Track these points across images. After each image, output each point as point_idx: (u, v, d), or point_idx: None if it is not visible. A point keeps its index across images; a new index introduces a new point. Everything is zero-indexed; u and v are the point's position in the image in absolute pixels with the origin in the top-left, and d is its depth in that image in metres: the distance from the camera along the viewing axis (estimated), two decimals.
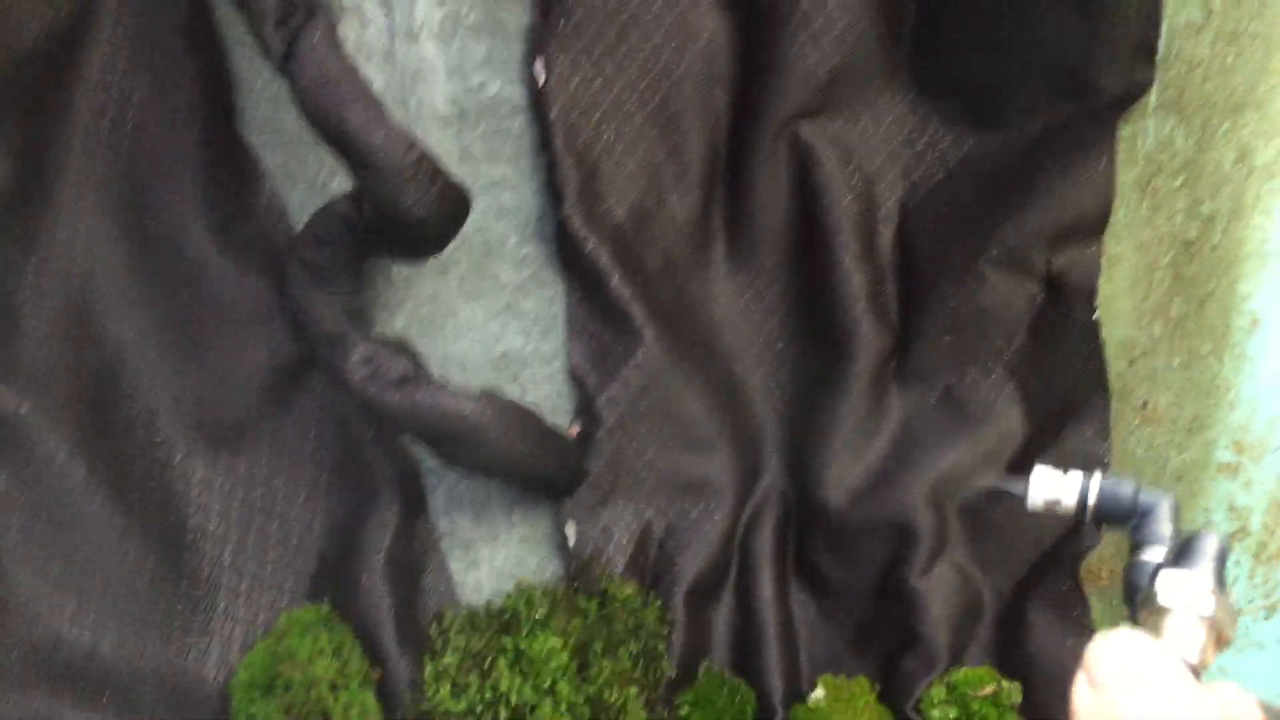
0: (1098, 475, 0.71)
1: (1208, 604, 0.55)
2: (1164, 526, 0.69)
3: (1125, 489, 0.72)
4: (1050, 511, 0.73)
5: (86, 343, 1.34)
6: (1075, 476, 0.72)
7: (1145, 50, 1.41)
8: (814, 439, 1.58)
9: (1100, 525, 0.59)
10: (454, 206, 1.36)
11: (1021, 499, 0.77)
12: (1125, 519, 0.70)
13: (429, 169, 1.29)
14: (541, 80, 1.48)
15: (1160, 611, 0.56)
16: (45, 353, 1.32)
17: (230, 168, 1.41)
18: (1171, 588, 0.56)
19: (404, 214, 1.31)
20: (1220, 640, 0.55)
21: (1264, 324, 1.52)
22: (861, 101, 1.55)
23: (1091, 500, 0.71)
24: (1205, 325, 1.52)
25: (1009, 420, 1.56)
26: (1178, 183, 1.48)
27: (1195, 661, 0.55)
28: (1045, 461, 1.46)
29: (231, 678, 1.38)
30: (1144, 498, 0.71)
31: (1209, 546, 0.65)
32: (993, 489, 1.39)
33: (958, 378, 1.57)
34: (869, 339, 1.55)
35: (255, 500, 1.44)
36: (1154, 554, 0.65)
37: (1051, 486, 0.73)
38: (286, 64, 1.27)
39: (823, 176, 1.55)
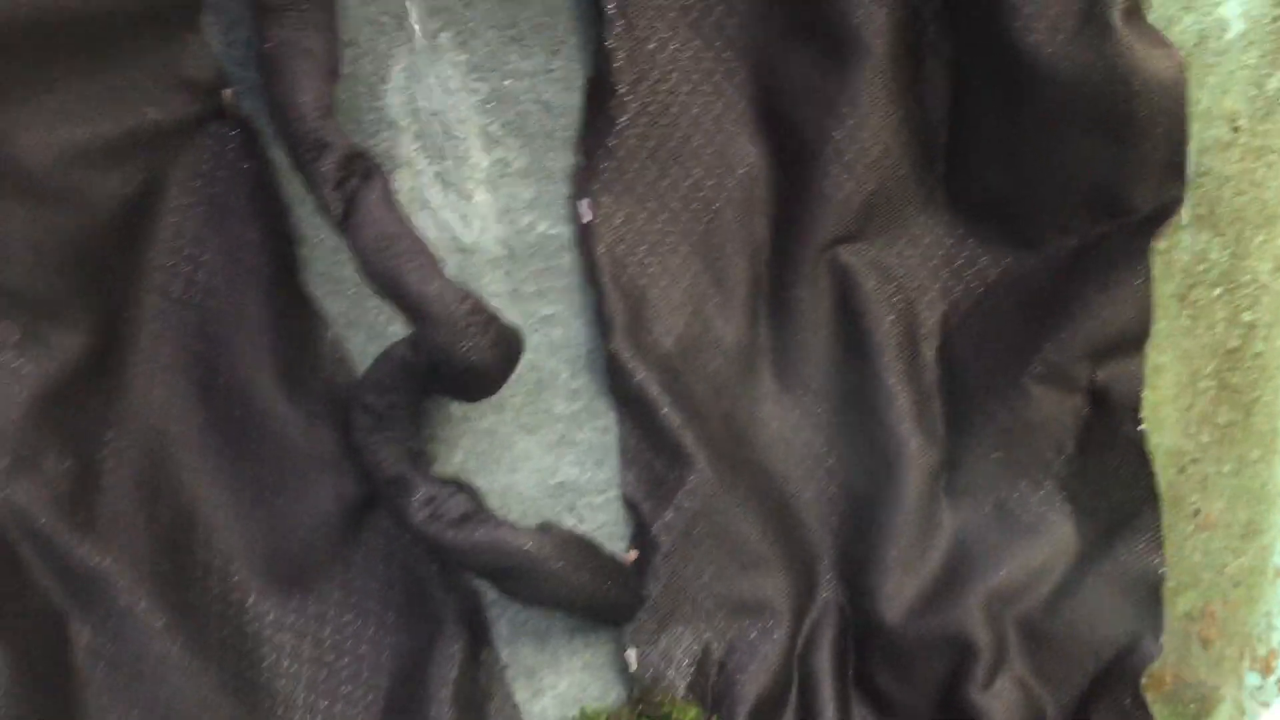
0: None
1: None
2: None
3: None
4: None
5: (163, 496, 1.40)
6: None
7: (1174, 169, 1.44)
8: (868, 555, 1.60)
9: None
10: (508, 349, 1.41)
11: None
12: None
13: (483, 317, 1.35)
14: (587, 218, 1.54)
15: None
16: (124, 507, 1.38)
17: (295, 319, 1.48)
18: None
19: (460, 361, 1.36)
20: None
21: None
22: (898, 225, 1.59)
23: None
24: (1253, 431, 1.53)
25: (1061, 532, 1.57)
26: (1216, 293, 1.50)
27: None
28: (1101, 574, 1.48)
29: None
30: None
31: None
32: None
33: (1008, 491, 1.59)
34: (917, 455, 1.58)
35: (326, 639, 1.48)
36: None
37: None
38: (345, 225, 1.33)
39: (863, 298, 1.59)
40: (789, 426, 1.65)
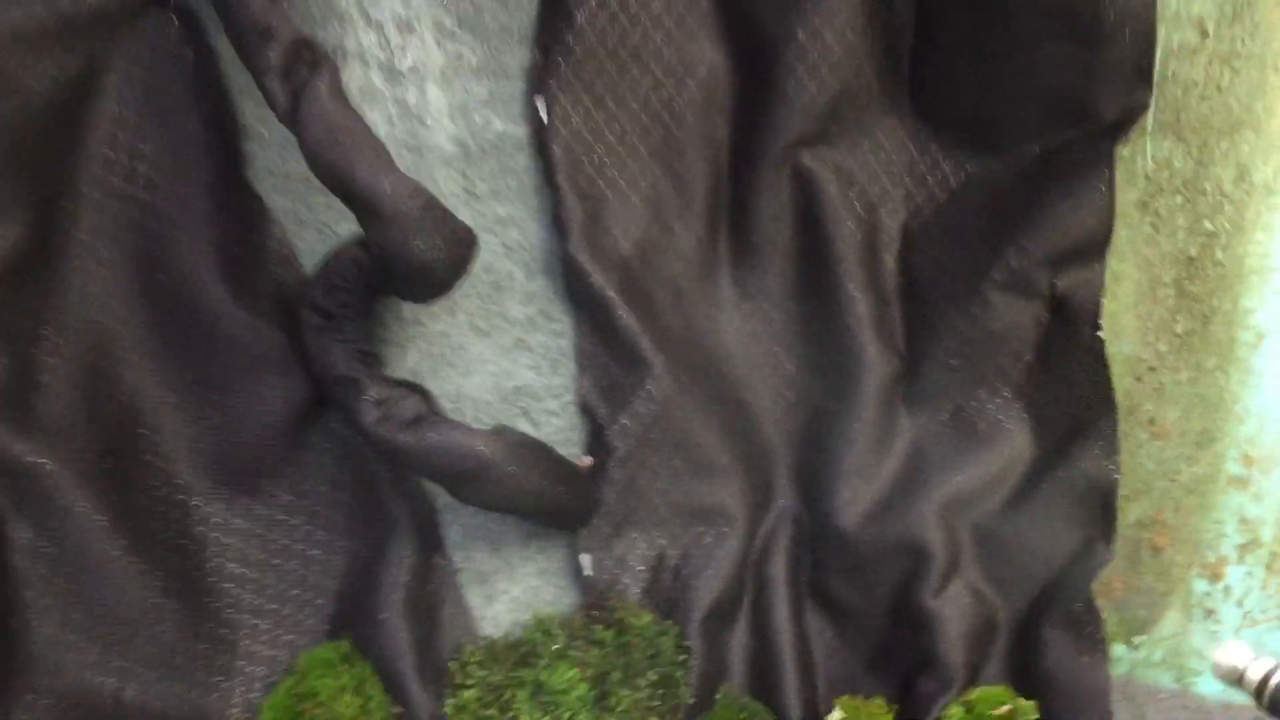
0: None
1: None
2: None
3: None
4: (1229, 681, 0.72)
5: (105, 395, 1.36)
6: (1266, 661, 0.70)
7: (1141, 74, 1.41)
8: (824, 462, 1.59)
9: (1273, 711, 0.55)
10: (462, 249, 1.38)
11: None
12: None
13: (436, 214, 1.31)
14: (544, 117, 1.50)
15: None
16: (64, 407, 1.34)
17: (239, 215, 1.44)
18: None
19: (413, 259, 1.33)
20: None
21: (1269, 338, 1.53)
22: (861, 129, 1.56)
23: (1273, 684, 0.69)
24: (1211, 340, 1.53)
25: (1018, 439, 1.57)
26: (1178, 201, 1.49)
27: None
28: (1056, 481, 1.48)
29: (255, 718, 1.40)
30: None
31: None
32: None
33: (966, 399, 1.58)
34: (876, 363, 1.57)
35: (274, 542, 1.46)
36: None
37: (1239, 658, 0.72)
38: (293, 117, 1.29)
39: (825, 203, 1.56)
40: (748, 333, 1.63)
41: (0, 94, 1.28)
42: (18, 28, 1.29)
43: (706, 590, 1.57)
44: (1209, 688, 1.61)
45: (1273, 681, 0.64)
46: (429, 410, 1.41)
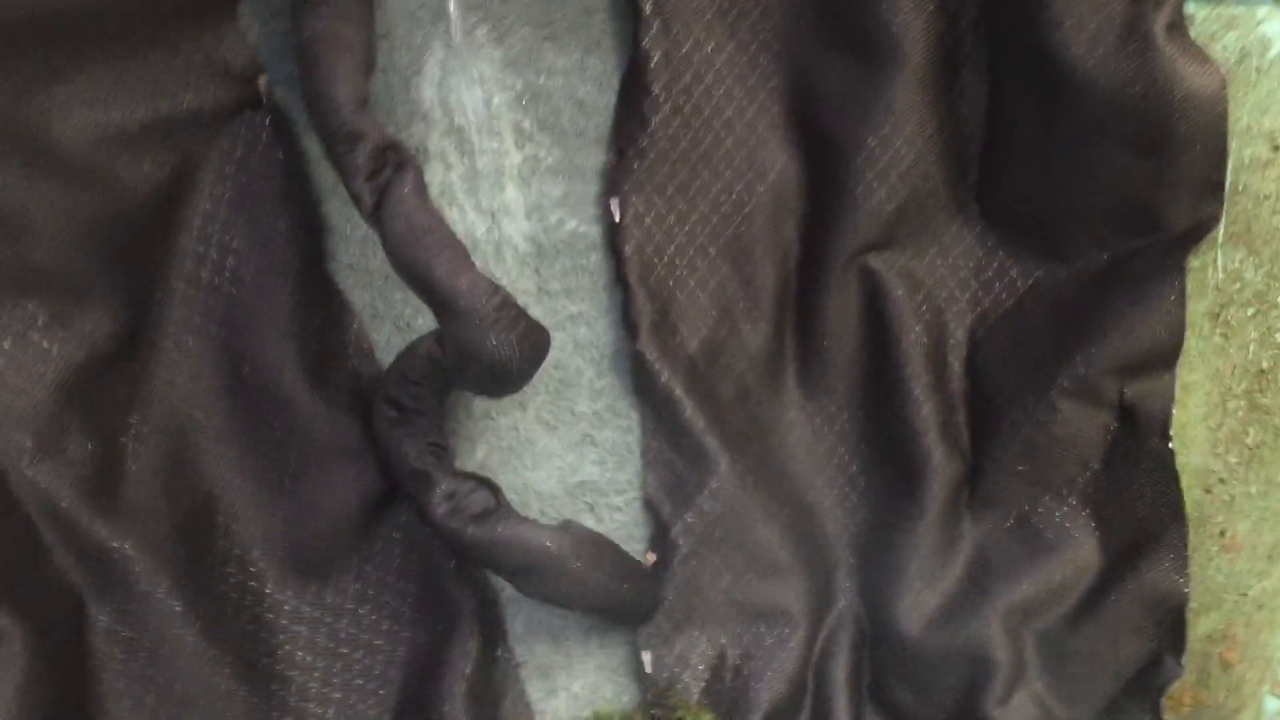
0: None
1: None
2: None
3: None
4: None
5: (184, 482, 1.40)
6: None
7: (1211, 186, 1.42)
8: (888, 566, 1.59)
9: None
10: (535, 346, 1.40)
11: None
12: None
13: (511, 313, 1.35)
14: (616, 218, 1.54)
15: None
16: (146, 493, 1.38)
17: (321, 309, 1.48)
18: None
19: (487, 356, 1.36)
20: None
21: None
22: (928, 234, 1.58)
23: None
24: None
25: (1084, 549, 1.56)
26: (1249, 313, 1.49)
27: None
28: (1124, 592, 1.46)
29: None
30: None
31: None
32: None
33: (1032, 506, 1.57)
34: (940, 467, 1.57)
35: (341, 630, 1.48)
36: None
37: None
38: (376, 215, 1.33)
39: (892, 307, 1.57)
40: (812, 433, 1.64)
41: (99, 190, 1.34)
42: (119, 126, 1.35)
43: (767, 691, 1.56)
44: None
45: None
46: (497, 504, 1.43)
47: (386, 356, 1.51)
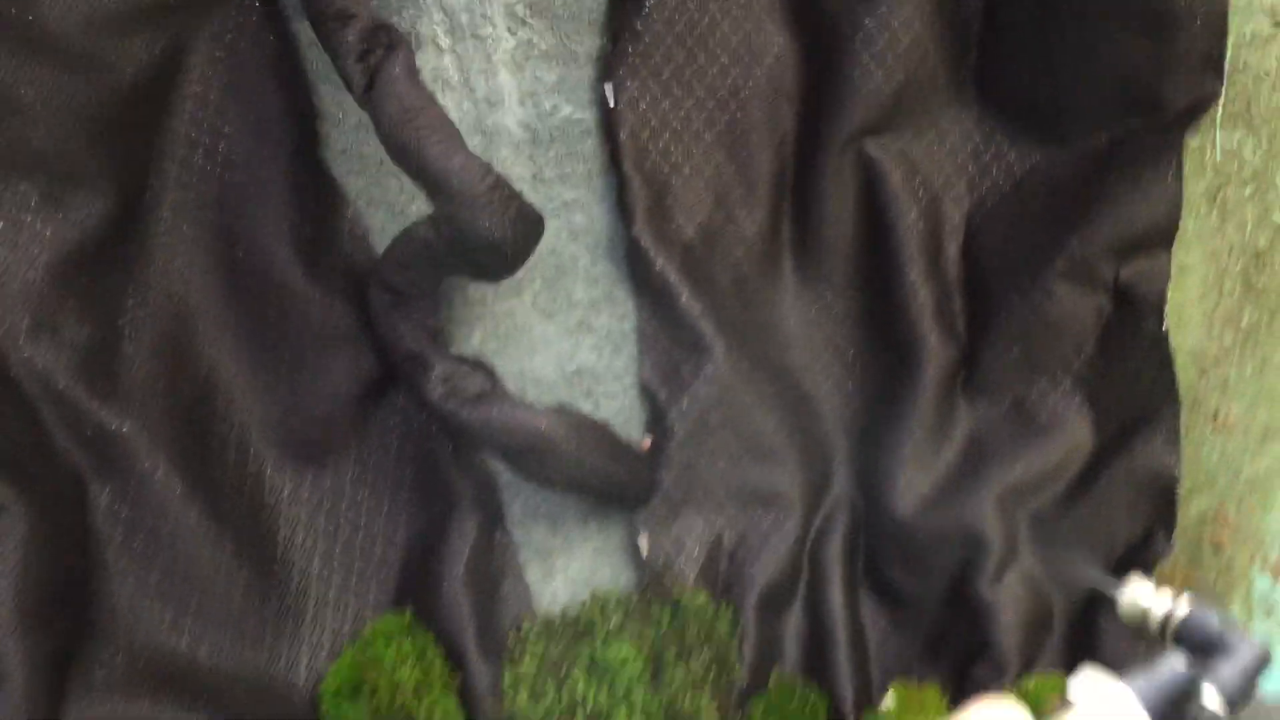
0: (1187, 598, 0.68)
1: None
2: (1233, 671, 0.64)
3: (1211, 623, 0.68)
4: (1133, 622, 0.71)
5: (182, 365, 1.41)
6: (1167, 596, 0.70)
7: (1211, 63, 1.40)
8: (882, 450, 1.60)
9: (1184, 649, 0.54)
10: (528, 229, 1.40)
11: (1112, 600, 0.76)
12: (1205, 649, 0.66)
13: (504, 194, 1.34)
14: (611, 103, 1.53)
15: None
16: (144, 375, 1.39)
17: (315, 195, 1.48)
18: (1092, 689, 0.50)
19: (481, 237, 1.36)
20: None
21: None
22: (927, 117, 1.57)
23: (1175, 618, 0.69)
24: (1277, 334, 1.52)
25: (1078, 431, 1.56)
26: (1247, 193, 1.48)
27: None
28: (1116, 472, 1.48)
29: (320, 683, 1.44)
30: (1231, 636, 0.67)
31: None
32: (1090, 585, 1.39)
33: (1026, 389, 1.58)
34: (936, 352, 1.57)
35: (340, 514, 1.50)
36: (1210, 697, 0.60)
37: (1143, 597, 0.71)
38: (368, 97, 1.32)
39: (889, 192, 1.57)
40: (809, 320, 1.64)
41: (90, 73, 1.33)
42: (108, 10, 1.33)
43: (762, 573, 1.58)
44: (1271, 686, 1.59)
45: (1175, 615, 0.64)
46: (493, 387, 1.44)
47: (381, 242, 1.50)
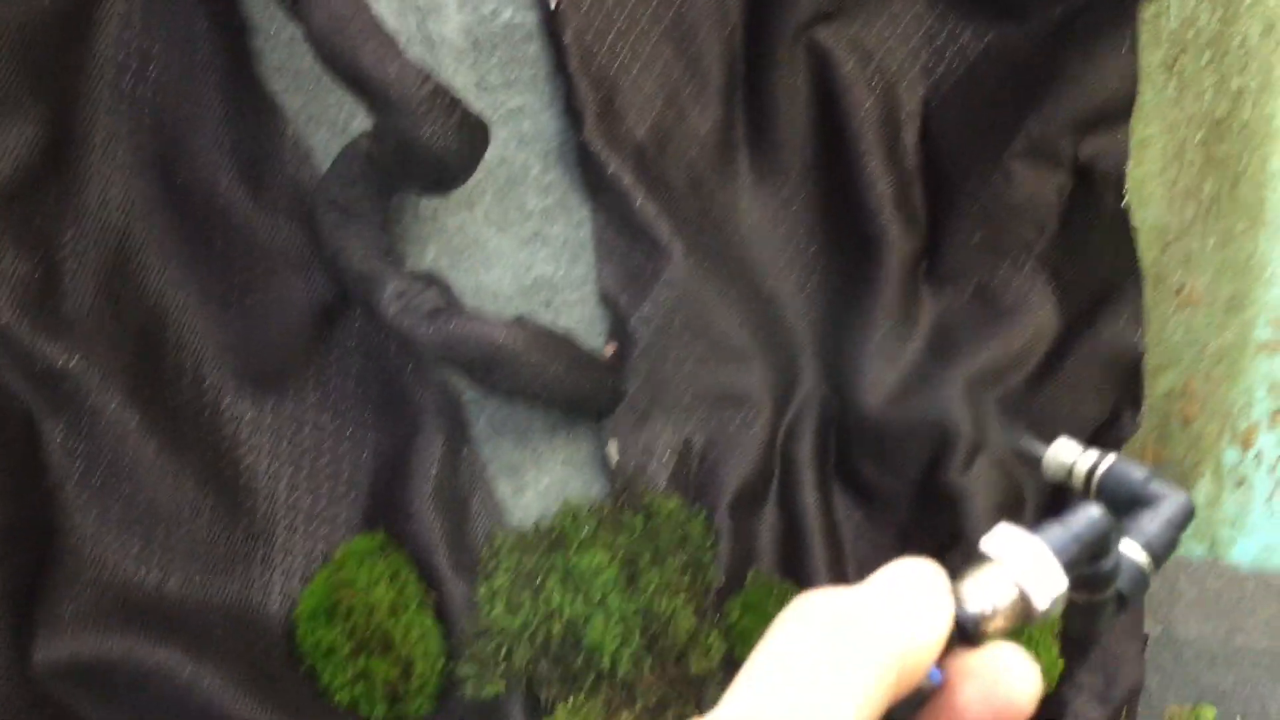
0: (1113, 456, 0.67)
1: (1044, 585, 0.47)
2: (1156, 523, 0.63)
3: (1135, 475, 0.67)
4: (1059, 478, 0.71)
5: (128, 297, 1.38)
6: (1092, 453, 0.69)
7: None
8: (848, 344, 1.59)
9: (1107, 504, 0.53)
10: (473, 137, 1.37)
11: (1038, 462, 0.75)
12: (1129, 503, 0.65)
13: (445, 101, 1.31)
14: (553, 4, 1.48)
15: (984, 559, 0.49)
16: (89, 308, 1.35)
17: (253, 115, 1.43)
18: (1008, 545, 0.49)
19: (424, 147, 1.32)
20: (1024, 618, 0.48)
21: None
22: (878, 2, 1.53)
23: (1099, 472, 0.68)
24: (1239, 203, 1.50)
25: (1043, 313, 1.55)
26: (1204, 60, 1.45)
27: (981, 611, 0.47)
28: (1082, 352, 1.47)
29: (294, 608, 1.43)
30: (1154, 488, 0.66)
31: (1132, 562, 0.59)
32: (1015, 446, 1.39)
33: (990, 274, 1.57)
34: (898, 242, 1.55)
35: (304, 439, 1.48)
36: (1131, 547, 0.60)
37: (1068, 454, 0.70)
38: (296, 8, 1.28)
39: (842, 81, 1.53)
40: (768, 218, 1.62)
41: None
42: None
43: (733, 475, 1.58)
44: (1241, 556, 1.61)
45: (1099, 469, 0.63)
46: (449, 301, 1.42)
47: (325, 161, 1.46)
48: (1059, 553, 0.46)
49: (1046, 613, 0.46)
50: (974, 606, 0.45)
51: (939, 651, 0.42)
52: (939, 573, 0.44)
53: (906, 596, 0.42)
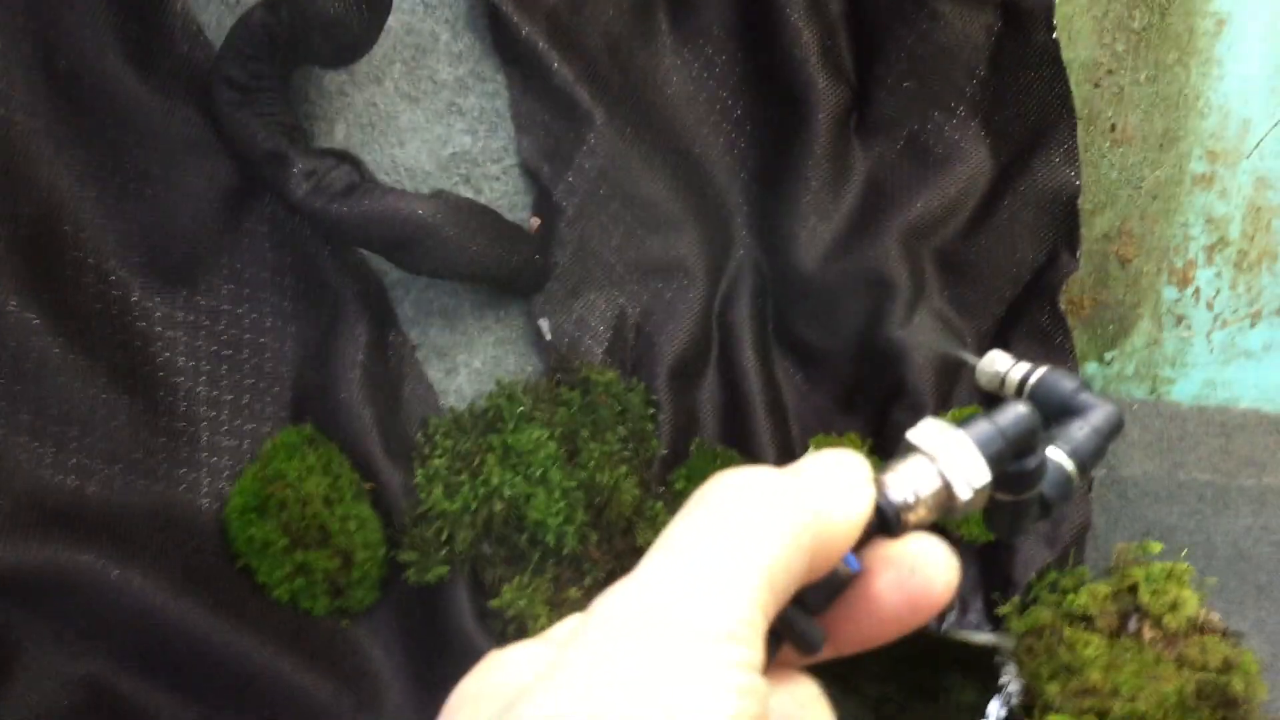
0: (1045, 367, 0.65)
1: (966, 475, 0.47)
2: (1084, 432, 0.61)
3: (1065, 385, 0.65)
4: (992, 387, 0.68)
5: (16, 191, 1.29)
6: (1024, 364, 0.66)
7: None
8: (781, 205, 1.54)
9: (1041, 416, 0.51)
10: (373, 2, 1.30)
11: (971, 370, 0.73)
12: (1059, 412, 0.63)
13: None
14: None
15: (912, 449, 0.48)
16: None
17: None
18: (935, 437, 0.48)
19: (320, 14, 1.25)
20: (946, 508, 0.47)
21: (1230, 24, 1.46)
22: None
23: (1031, 381, 0.66)
24: (1169, 34, 1.46)
25: (976, 158, 1.52)
26: None
27: (904, 500, 0.46)
28: (1017, 194, 1.44)
29: (225, 505, 1.39)
30: (1084, 398, 0.64)
31: (1059, 472, 0.58)
32: (949, 355, 1.36)
33: (920, 123, 1.52)
34: (826, 96, 1.50)
35: (221, 332, 1.42)
36: (1058, 454, 0.58)
37: (1001, 364, 0.68)
38: None
39: None
40: (691, 78, 1.56)
41: None
42: None
43: (670, 344, 1.54)
44: (1182, 394, 1.61)
45: (1031, 379, 0.62)
46: (362, 178, 1.35)
47: (219, 38, 1.38)
48: (983, 446, 0.46)
49: (969, 504, 0.46)
50: (897, 495, 0.45)
51: (856, 534, 0.43)
52: (862, 461, 0.44)
53: (825, 477, 0.43)
